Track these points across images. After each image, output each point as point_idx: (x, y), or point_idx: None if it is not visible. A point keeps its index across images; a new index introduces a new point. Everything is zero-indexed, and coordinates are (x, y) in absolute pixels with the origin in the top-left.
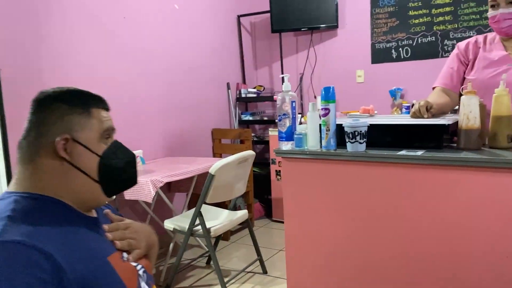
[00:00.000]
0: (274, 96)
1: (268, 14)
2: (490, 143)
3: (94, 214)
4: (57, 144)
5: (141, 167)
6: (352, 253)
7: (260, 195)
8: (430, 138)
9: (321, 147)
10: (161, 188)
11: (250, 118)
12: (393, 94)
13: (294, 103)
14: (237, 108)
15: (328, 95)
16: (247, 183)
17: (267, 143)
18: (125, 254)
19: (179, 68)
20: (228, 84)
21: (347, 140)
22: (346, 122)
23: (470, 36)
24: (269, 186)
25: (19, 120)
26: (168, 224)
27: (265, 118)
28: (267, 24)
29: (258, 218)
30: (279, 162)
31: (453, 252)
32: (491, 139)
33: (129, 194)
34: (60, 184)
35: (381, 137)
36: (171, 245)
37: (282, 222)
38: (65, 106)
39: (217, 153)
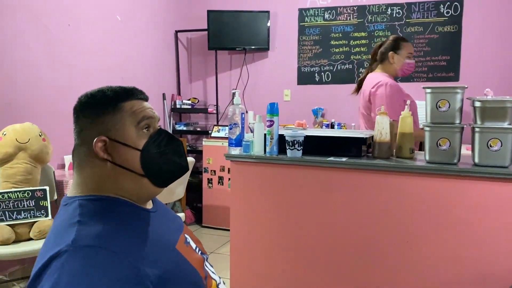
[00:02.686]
0: (209, 109)
1: (205, 32)
2: (397, 153)
3: (151, 204)
4: (95, 147)
5: None
6: (288, 244)
7: (191, 202)
8: (352, 148)
9: (265, 152)
10: None
11: (184, 128)
12: (315, 112)
13: (243, 115)
14: (171, 118)
15: (273, 110)
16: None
17: (199, 152)
18: (187, 237)
19: (117, 76)
20: (163, 95)
21: (287, 147)
22: (287, 132)
23: None
24: (200, 194)
25: None
26: None
27: (198, 129)
28: (203, 41)
29: (189, 224)
30: (211, 170)
31: (369, 237)
32: (398, 151)
33: None
34: (114, 184)
35: (315, 146)
36: None
37: (213, 228)
38: (95, 109)
39: None
